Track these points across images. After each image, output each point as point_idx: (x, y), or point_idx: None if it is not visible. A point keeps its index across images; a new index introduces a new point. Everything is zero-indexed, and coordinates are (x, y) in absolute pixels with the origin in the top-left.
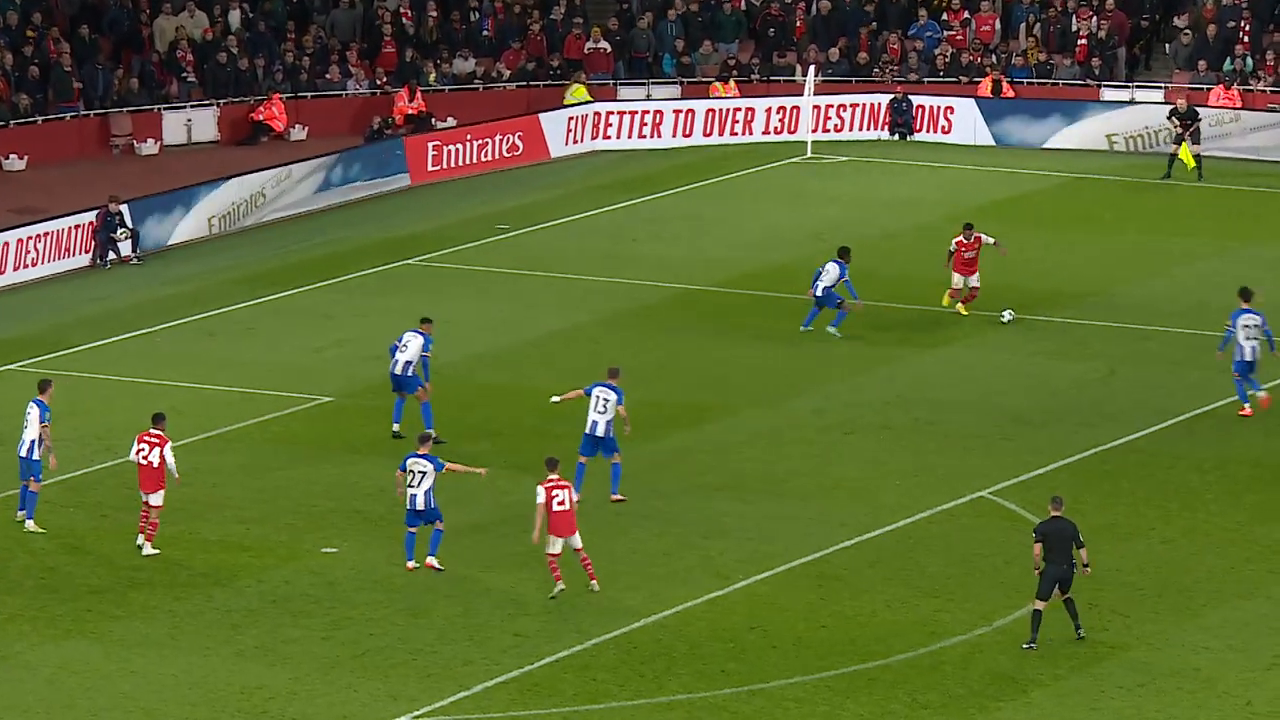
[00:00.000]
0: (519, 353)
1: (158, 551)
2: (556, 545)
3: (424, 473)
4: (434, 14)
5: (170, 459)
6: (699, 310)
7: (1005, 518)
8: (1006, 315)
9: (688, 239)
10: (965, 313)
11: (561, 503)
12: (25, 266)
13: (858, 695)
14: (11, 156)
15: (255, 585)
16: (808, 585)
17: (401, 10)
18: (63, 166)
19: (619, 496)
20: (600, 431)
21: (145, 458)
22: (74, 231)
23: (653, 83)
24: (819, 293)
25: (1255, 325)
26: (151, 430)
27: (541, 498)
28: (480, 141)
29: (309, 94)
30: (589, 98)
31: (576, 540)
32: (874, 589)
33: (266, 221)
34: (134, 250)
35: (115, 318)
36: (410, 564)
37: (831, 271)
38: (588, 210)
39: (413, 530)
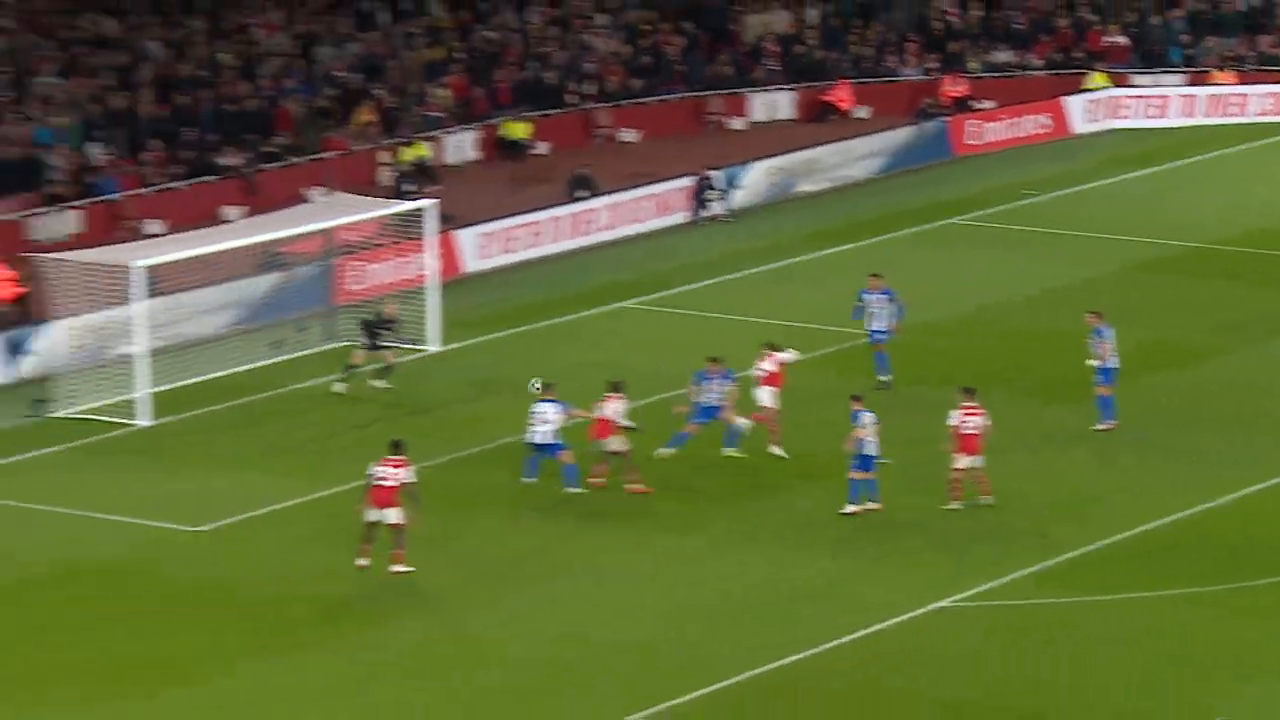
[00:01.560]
0: (1046, 299)
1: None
2: (961, 461)
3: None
4: (976, 11)
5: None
6: (1203, 264)
7: None
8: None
9: (1191, 205)
10: None
11: (975, 427)
12: (636, 221)
13: None
14: (626, 130)
15: (815, 491)
16: None
17: (947, 10)
18: (666, 139)
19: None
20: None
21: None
22: (675, 193)
23: (1161, 71)
24: None
25: None
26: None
27: (954, 420)
28: (1012, 121)
29: (871, 79)
30: (1107, 84)
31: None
32: None
33: (831, 187)
34: (724, 209)
35: (708, 265)
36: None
37: None
38: (1104, 179)
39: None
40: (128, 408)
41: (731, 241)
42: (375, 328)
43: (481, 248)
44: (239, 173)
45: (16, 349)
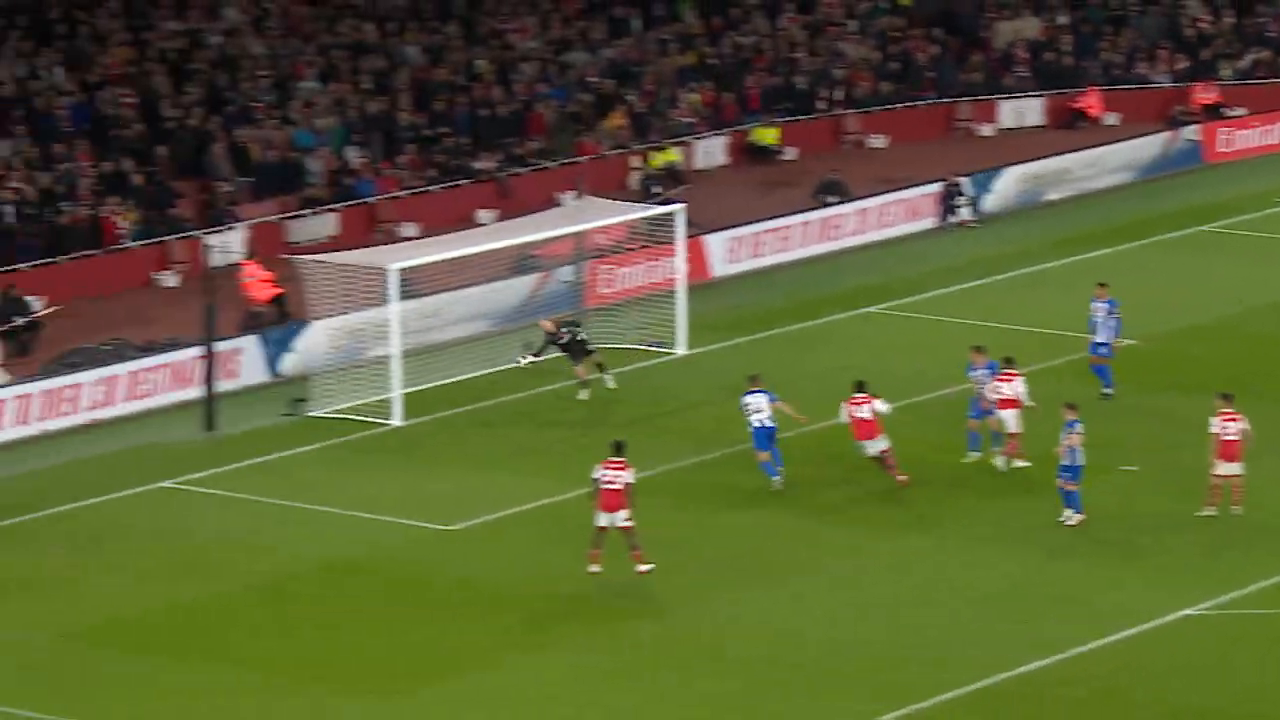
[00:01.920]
0: None
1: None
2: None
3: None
4: (1229, 17)
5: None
6: None
7: None
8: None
9: None
10: None
11: (1235, 433)
12: (885, 226)
13: None
14: (876, 136)
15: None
16: None
17: (1198, 16)
18: (915, 145)
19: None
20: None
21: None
22: (923, 199)
23: None
24: None
25: None
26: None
27: (1215, 427)
28: (1265, 128)
29: (1121, 86)
30: None
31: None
32: None
33: (1079, 193)
34: (972, 214)
35: (956, 271)
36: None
37: None
38: None
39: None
40: (383, 407)
41: (980, 247)
42: (561, 344)
43: (730, 252)
44: (493, 177)
45: (277, 349)
